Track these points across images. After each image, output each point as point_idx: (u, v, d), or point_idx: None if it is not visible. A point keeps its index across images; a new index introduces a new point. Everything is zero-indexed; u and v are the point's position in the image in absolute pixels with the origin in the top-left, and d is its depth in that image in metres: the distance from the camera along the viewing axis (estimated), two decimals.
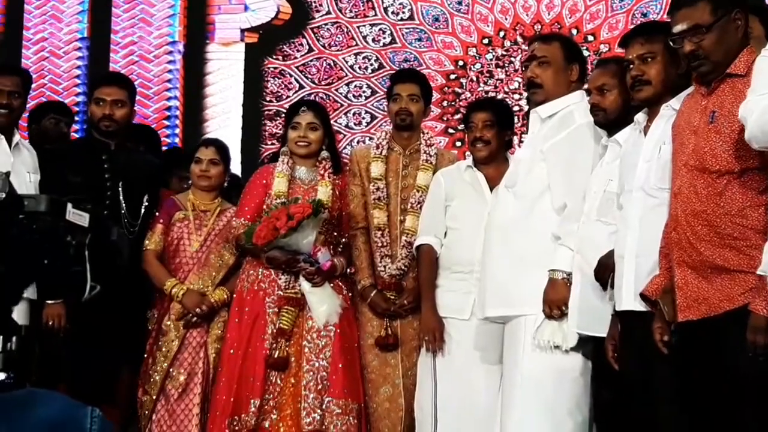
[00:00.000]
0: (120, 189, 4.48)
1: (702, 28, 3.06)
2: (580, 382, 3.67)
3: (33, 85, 6.99)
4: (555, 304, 3.63)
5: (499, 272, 3.84)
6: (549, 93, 3.89)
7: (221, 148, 4.76)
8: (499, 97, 6.56)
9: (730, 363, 2.83)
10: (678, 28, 3.12)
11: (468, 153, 4.65)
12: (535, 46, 3.96)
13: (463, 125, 4.58)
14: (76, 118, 6.45)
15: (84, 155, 4.55)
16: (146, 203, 4.57)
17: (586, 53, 6.63)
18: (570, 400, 3.65)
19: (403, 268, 4.44)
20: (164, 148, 6.71)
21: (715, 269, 2.92)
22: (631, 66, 3.41)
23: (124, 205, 4.48)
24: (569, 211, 3.69)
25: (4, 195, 3.95)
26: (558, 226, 3.70)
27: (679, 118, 3.20)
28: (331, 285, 4.44)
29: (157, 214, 4.66)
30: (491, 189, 4.19)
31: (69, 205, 4.17)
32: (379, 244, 4.46)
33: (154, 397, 4.45)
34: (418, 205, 4.44)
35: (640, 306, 3.21)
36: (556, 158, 3.78)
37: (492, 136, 4.29)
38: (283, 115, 4.95)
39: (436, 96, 6.77)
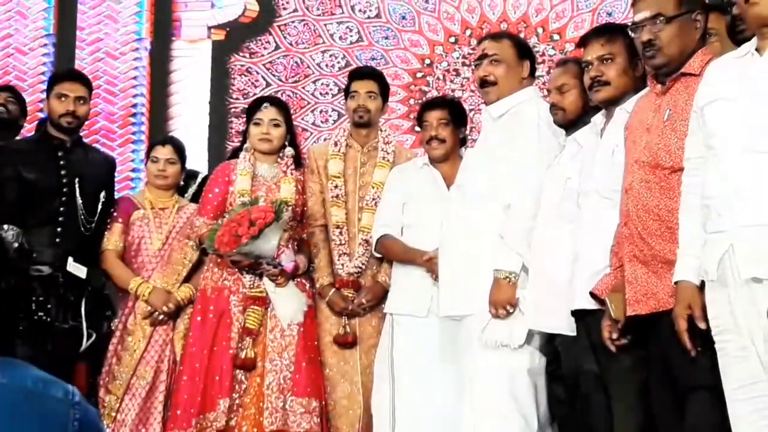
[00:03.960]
0: (76, 186, 4.45)
1: (663, 17, 3.08)
2: (532, 379, 3.68)
3: None
4: (500, 304, 3.64)
5: (451, 270, 3.85)
6: (501, 91, 3.90)
7: (178, 147, 4.75)
8: (466, 95, 6.58)
9: (677, 357, 2.85)
10: (640, 16, 3.13)
11: None
12: (485, 45, 3.96)
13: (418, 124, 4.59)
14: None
15: (39, 152, 4.51)
16: (103, 200, 4.55)
17: (551, 52, 6.67)
18: (522, 397, 3.66)
19: (360, 266, 4.44)
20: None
21: (665, 264, 2.94)
22: (590, 67, 3.42)
23: (80, 202, 4.45)
24: (514, 211, 3.69)
25: (16, 245, 4.06)
26: (503, 225, 3.71)
27: (632, 117, 3.22)
28: (295, 283, 4.43)
29: (114, 213, 4.64)
30: (448, 187, 4.19)
31: (70, 258, 4.25)
32: (338, 242, 4.45)
33: (120, 397, 4.43)
34: (374, 203, 4.44)
35: (591, 305, 3.23)
36: (501, 157, 3.78)
37: (447, 134, 4.30)
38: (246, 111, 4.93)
39: (402, 94, 6.79)
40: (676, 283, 2.85)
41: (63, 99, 4.50)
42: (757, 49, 2.75)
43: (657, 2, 3.11)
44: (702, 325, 2.76)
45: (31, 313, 4.17)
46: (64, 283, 4.31)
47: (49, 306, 4.26)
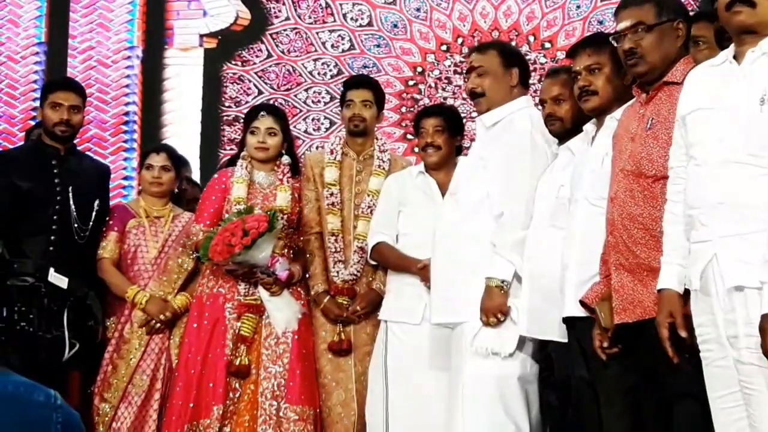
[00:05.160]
0: (70, 194, 4.45)
1: (644, 26, 3.13)
2: (523, 386, 3.70)
3: None
4: (491, 312, 3.66)
5: (443, 278, 3.87)
6: (491, 101, 3.94)
7: (172, 155, 4.77)
8: (458, 103, 6.60)
9: (663, 365, 2.87)
10: (622, 25, 3.18)
11: None
12: (472, 57, 4.01)
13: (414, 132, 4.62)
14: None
15: (33, 160, 4.52)
16: (97, 208, 4.55)
17: (543, 60, 6.70)
18: (512, 404, 3.68)
19: (355, 273, 4.45)
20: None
21: (651, 272, 2.96)
22: (579, 77, 3.45)
23: (74, 210, 4.46)
24: (505, 219, 3.72)
25: None
26: (494, 233, 3.73)
27: (619, 126, 3.26)
28: (290, 291, 4.45)
29: (110, 221, 4.64)
30: (443, 195, 4.21)
31: (51, 270, 4.24)
32: (333, 250, 4.46)
33: (115, 405, 4.44)
34: (369, 210, 4.46)
35: (580, 312, 3.25)
36: (494, 166, 3.81)
37: (443, 141, 4.32)
38: (242, 120, 4.97)
39: (395, 102, 6.81)
40: (659, 291, 2.87)
41: (57, 108, 4.51)
42: (735, 57, 2.77)
43: (638, 11, 3.15)
44: (683, 334, 2.78)
45: (13, 323, 4.17)
46: (47, 293, 4.31)
47: (31, 316, 4.26)
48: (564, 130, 3.72)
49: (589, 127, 3.50)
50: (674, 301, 2.82)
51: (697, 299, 2.74)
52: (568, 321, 3.35)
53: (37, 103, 6.85)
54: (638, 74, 3.16)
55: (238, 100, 7.02)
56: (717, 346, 2.68)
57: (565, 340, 3.43)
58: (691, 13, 4.16)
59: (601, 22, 6.68)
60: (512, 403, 3.67)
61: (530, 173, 3.74)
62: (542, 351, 3.69)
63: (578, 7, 6.77)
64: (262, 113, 4.58)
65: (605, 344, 3.13)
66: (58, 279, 4.33)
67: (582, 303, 3.22)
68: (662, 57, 3.12)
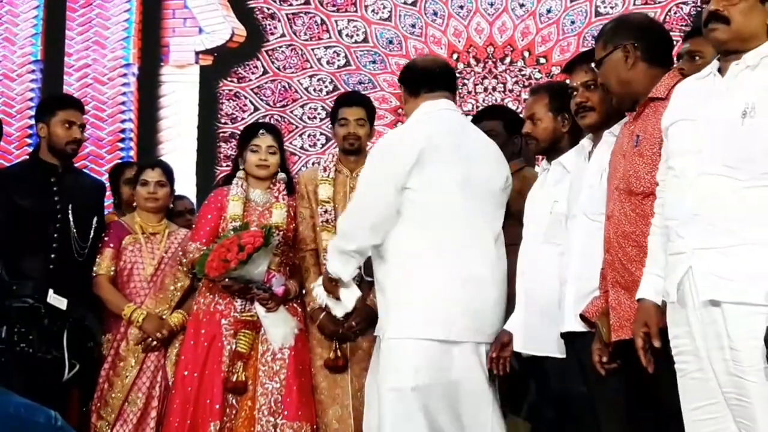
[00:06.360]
0: (70, 211, 4.46)
1: (594, 62, 3.25)
2: (422, 399, 3.68)
3: None
4: (327, 289, 3.96)
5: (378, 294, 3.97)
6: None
7: (167, 170, 4.77)
8: None
9: (662, 381, 2.87)
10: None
11: None
12: None
13: None
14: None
15: (32, 177, 4.52)
16: (95, 225, 4.56)
17: (538, 75, 6.72)
18: (409, 419, 3.67)
19: None
20: None
21: None
22: (576, 93, 3.47)
23: (74, 227, 4.46)
24: (343, 229, 3.89)
25: None
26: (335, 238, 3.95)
27: (616, 144, 3.28)
28: (286, 307, 4.45)
29: (105, 237, 4.64)
30: None
31: (50, 291, 4.25)
32: None
33: (111, 422, 4.43)
34: None
35: (580, 327, 3.25)
36: None
37: None
38: (238, 137, 4.98)
39: (390, 118, 6.84)
40: (637, 301, 2.89)
41: (71, 126, 4.52)
42: (719, 70, 2.80)
43: (596, 49, 3.27)
44: (656, 344, 2.80)
45: (13, 344, 4.17)
46: (47, 314, 4.31)
47: (30, 337, 4.26)
48: (540, 149, 3.79)
49: (585, 142, 3.52)
50: (650, 312, 2.84)
51: (674, 311, 2.76)
52: (567, 335, 3.36)
53: (33, 121, 6.91)
54: (616, 104, 3.27)
55: (234, 116, 7.04)
56: (693, 358, 2.70)
57: (563, 356, 3.43)
58: (688, 29, 4.20)
59: (595, 38, 6.70)
60: (409, 417, 3.66)
61: (365, 188, 3.86)
62: (540, 365, 3.68)
63: (573, 22, 6.80)
64: (261, 131, 4.59)
65: (604, 359, 3.14)
66: (57, 300, 4.33)
67: (582, 317, 3.23)
68: (618, 83, 3.19)
